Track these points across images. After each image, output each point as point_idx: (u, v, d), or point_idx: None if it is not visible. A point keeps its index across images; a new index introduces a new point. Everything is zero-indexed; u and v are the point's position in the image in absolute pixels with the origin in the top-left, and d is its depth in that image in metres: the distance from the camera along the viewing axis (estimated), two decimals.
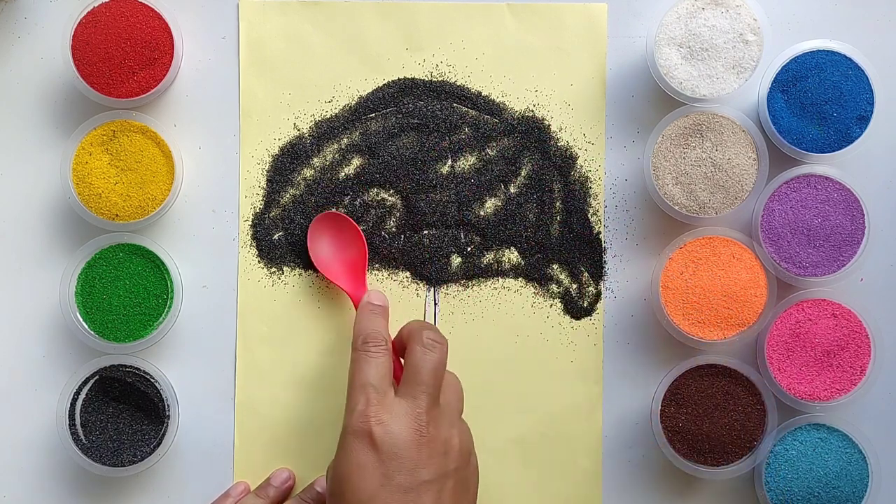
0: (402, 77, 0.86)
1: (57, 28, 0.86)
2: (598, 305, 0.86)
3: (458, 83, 0.86)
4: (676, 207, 0.83)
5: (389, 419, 0.71)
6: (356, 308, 0.82)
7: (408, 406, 0.72)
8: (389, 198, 0.86)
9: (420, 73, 0.86)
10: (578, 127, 0.86)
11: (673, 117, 0.83)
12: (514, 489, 0.85)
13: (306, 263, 0.86)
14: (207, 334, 0.86)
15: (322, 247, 0.85)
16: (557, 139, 0.86)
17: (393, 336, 0.79)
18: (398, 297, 0.86)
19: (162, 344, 0.85)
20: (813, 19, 0.86)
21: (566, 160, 0.86)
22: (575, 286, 0.86)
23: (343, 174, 0.86)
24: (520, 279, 0.86)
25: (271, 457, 0.85)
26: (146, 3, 0.83)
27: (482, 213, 0.86)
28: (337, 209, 0.86)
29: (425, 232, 0.86)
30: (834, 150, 0.82)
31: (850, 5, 0.86)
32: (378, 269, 0.86)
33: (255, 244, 0.86)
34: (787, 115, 0.82)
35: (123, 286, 0.83)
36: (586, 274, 0.86)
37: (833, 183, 0.82)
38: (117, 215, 0.83)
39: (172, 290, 0.84)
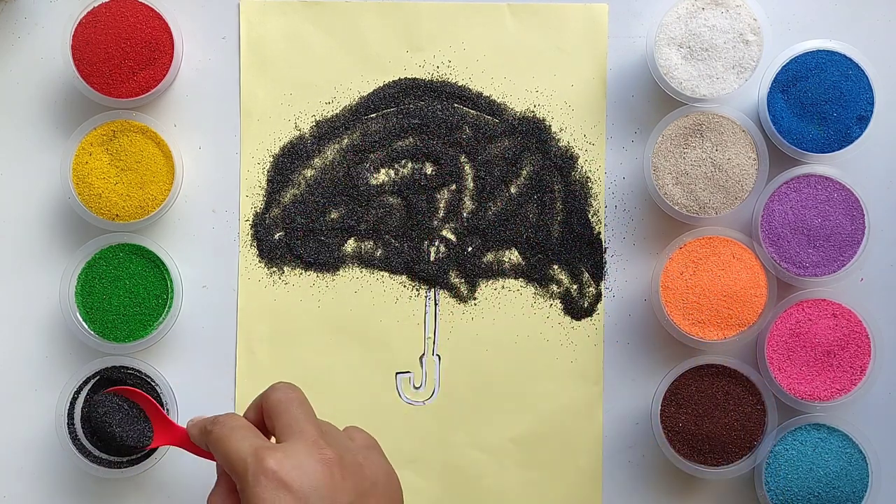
0: (402, 77, 0.86)
1: (57, 28, 0.86)
2: (599, 306, 0.86)
3: (459, 83, 0.86)
4: (676, 207, 0.83)
5: (288, 457, 0.65)
6: (182, 445, 0.76)
7: (299, 441, 0.66)
8: (390, 198, 0.86)
9: (421, 74, 0.86)
10: (579, 127, 0.86)
11: (673, 117, 0.83)
12: (514, 489, 0.85)
13: (306, 263, 0.86)
14: (207, 334, 0.86)
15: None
16: (558, 139, 0.86)
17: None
18: (398, 296, 0.86)
19: (162, 344, 0.85)
20: (813, 19, 0.86)
21: (567, 160, 0.86)
22: (575, 286, 0.86)
23: (345, 175, 0.86)
24: (520, 279, 0.86)
25: None
26: (146, 3, 0.83)
27: (483, 213, 0.86)
28: (337, 209, 0.86)
29: (426, 232, 0.86)
30: (834, 150, 0.82)
31: (850, 5, 0.86)
32: (378, 270, 0.86)
33: (255, 244, 0.86)
34: (787, 115, 0.82)
35: (123, 286, 0.83)
36: (587, 274, 0.86)
37: (833, 183, 0.82)
38: (117, 215, 0.83)
39: (172, 290, 0.84)
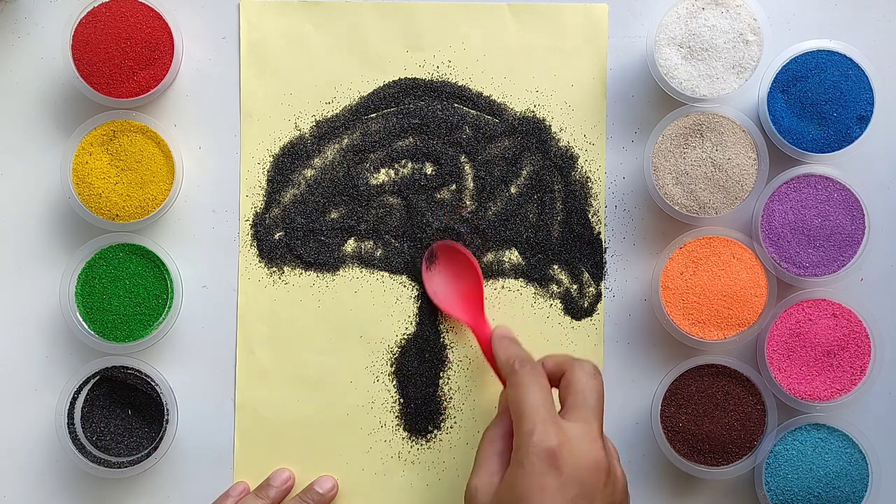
0: (402, 77, 0.86)
1: (57, 28, 0.86)
2: (599, 306, 0.86)
3: (459, 83, 0.86)
4: (676, 207, 0.83)
5: (570, 442, 0.69)
6: (479, 339, 0.82)
7: (584, 430, 0.70)
8: (390, 198, 0.86)
9: (421, 74, 0.86)
10: (579, 127, 0.86)
11: (673, 117, 0.83)
12: None
13: (306, 263, 0.86)
14: (207, 334, 0.86)
15: (437, 279, 0.84)
16: (558, 139, 0.86)
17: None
18: (398, 296, 0.86)
19: (162, 344, 0.85)
20: (813, 19, 0.86)
21: (567, 160, 0.86)
22: (575, 287, 0.86)
23: (345, 175, 0.86)
24: (520, 279, 0.86)
25: (271, 457, 0.85)
26: (146, 3, 0.83)
27: (483, 213, 0.86)
28: (337, 209, 0.86)
29: (426, 232, 0.86)
30: (834, 150, 0.82)
31: (850, 5, 0.86)
32: (378, 270, 0.86)
33: (255, 244, 0.86)
34: (787, 115, 0.82)
35: (123, 286, 0.83)
36: (587, 274, 0.86)
37: (833, 183, 0.82)
38: (117, 215, 0.83)
39: (172, 290, 0.84)
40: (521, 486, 0.68)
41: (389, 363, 0.86)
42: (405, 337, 0.86)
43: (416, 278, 0.86)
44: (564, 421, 0.70)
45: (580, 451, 0.69)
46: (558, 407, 0.73)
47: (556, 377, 0.75)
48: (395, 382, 0.86)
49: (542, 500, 0.68)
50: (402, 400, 0.85)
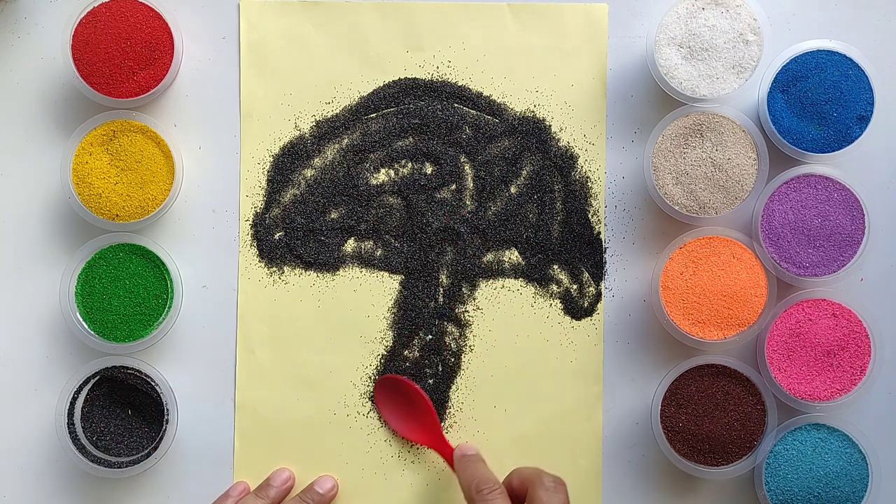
0: (402, 77, 0.86)
1: (57, 28, 0.86)
2: (599, 306, 0.86)
3: (459, 83, 0.86)
4: (676, 207, 0.83)
5: None
6: (444, 456, 0.83)
7: None
8: (390, 198, 0.86)
9: (421, 74, 0.86)
10: (579, 127, 0.86)
11: (673, 117, 0.83)
12: None
13: (306, 263, 0.86)
14: (207, 334, 0.86)
15: (390, 411, 0.85)
16: (558, 139, 0.86)
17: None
18: (398, 296, 0.86)
19: (162, 344, 0.85)
20: (813, 19, 0.86)
21: (567, 160, 0.86)
22: (575, 286, 0.86)
23: (345, 175, 0.86)
24: (520, 279, 0.86)
25: (271, 457, 0.85)
26: (146, 3, 0.83)
27: (483, 213, 0.86)
28: (337, 209, 0.86)
29: (426, 232, 0.86)
30: (834, 150, 0.82)
31: (850, 5, 0.86)
32: (378, 270, 0.86)
33: (255, 244, 0.86)
34: (787, 115, 0.82)
35: (123, 286, 0.83)
36: (587, 274, 0.86)
37: (833, 183, 0.82)
38: (117, 215, 0.83)
39: (172, 290, 0.84)
40: None
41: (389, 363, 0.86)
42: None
43: (416, 276, 0.86)
44: None
45: None
46: None
47: (523, 493, 0.76)
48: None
49: None
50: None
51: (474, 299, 0.86)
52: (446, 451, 0.83)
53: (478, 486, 0.76)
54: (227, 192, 0.86)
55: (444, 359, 0.85)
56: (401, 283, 0.86)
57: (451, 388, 0.85)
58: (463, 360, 0.85)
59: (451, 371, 0.85)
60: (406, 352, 0.85)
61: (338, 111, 0.86)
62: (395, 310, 0.86)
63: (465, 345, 0.85)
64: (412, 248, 0.86)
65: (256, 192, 0.86)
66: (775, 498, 0.82)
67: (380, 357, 0.85)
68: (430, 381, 0.85)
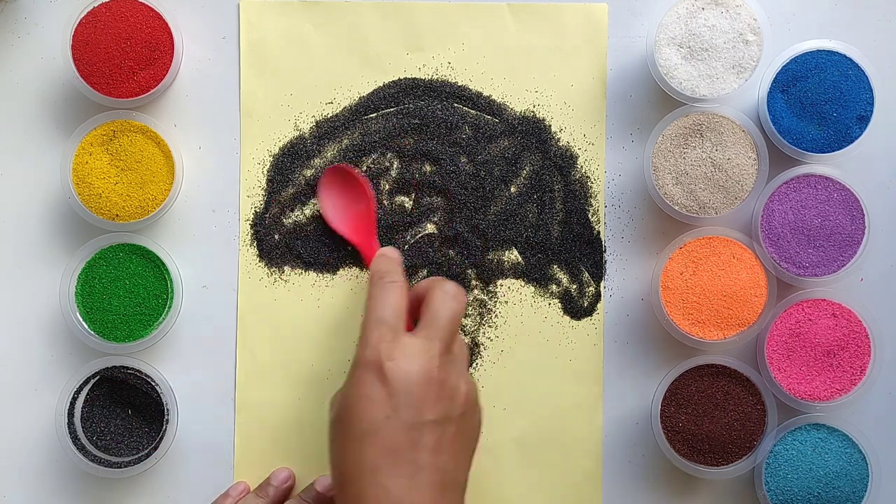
0: (402, 77, 0.86)
1: (57, 28, 0.86)
2: (598, 306, 0.86)
3: (459, 83, 0.86)
4: (676, 207, 0.83)
5: (401, 356, 0.71)
6: (366, 260, 0.83)
7: (421, 346, 0.72)
8: (390, 198, 0.86)
9: (420, 74, 0.86)
10: (579, 127, 0.86)
11: (673, 117, 0.83)
12: (514, 489, 0.85)
13: (306, 263, 0.86)
14: (207, 334, 0.86)
15: (331, 202, 0.85)
16: (558, 139, 0.86)
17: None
18: None
19: (162, 344, 0.85)
20: (813, 19, 0.86)
21: (566, 160, 0.86)
22: (575, 286, 0.86)
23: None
24: (520, 279, 0.86)
25: (271, 457, 0.85)
26: (146, 3, 0.83)
27: (483, 213, 0.86)
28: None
29: (426, 232, 0.86)
30: (834, 150, 0.82)
31: (850, 5, 0.86)
32: None
33: (255, 244, 0.86)
34: (787, 115, 0.82)
35: (123, 286, 0.83)
36: (586, 274, 0.86)
37: (833, 183, 0.82)
38: (117, 215, 0.83)
39: (172, 290, 0.84)
40: (349, 395, 0.71)
41: None
42: None
43: (416, 279, 0.86)
44: (406, 336, 0.72)
45: (410, 365, 0.70)
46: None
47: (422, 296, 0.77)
48: None
49: (365, 408, 0.70)
50: None
51: (475, 299, 0.86)
52: (372, 251, 0.83)
53: (381, 274, 0.76)
54: (227, 192, 0.86)
55: None
56: None
57: None
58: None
59: None
60: None
61: (338, 111, 0.86)
62: None
63: (466, 345, 0.85)
64: (412, 248, 0.86)
65: (256, 192, 0.86)
66: (775, 498, 0.82)
67: None
68: None
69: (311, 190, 0.86)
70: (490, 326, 0.85)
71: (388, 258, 0.79)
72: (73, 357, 0.85)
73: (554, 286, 0.86)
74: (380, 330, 0.72)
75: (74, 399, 0.83)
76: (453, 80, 0.86)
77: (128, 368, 0.83)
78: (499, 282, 0.86)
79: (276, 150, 0.86)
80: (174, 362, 0.86)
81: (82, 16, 0.83)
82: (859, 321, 0.82)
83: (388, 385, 0.70)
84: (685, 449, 0.82)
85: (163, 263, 0.84)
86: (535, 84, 0.86)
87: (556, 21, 0.86)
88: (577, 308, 0.86)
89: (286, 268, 0.86)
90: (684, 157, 0.82)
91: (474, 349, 0.85)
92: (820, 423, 0.82)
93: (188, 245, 0.86)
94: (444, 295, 0.74)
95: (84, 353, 0.85)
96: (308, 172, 0.86)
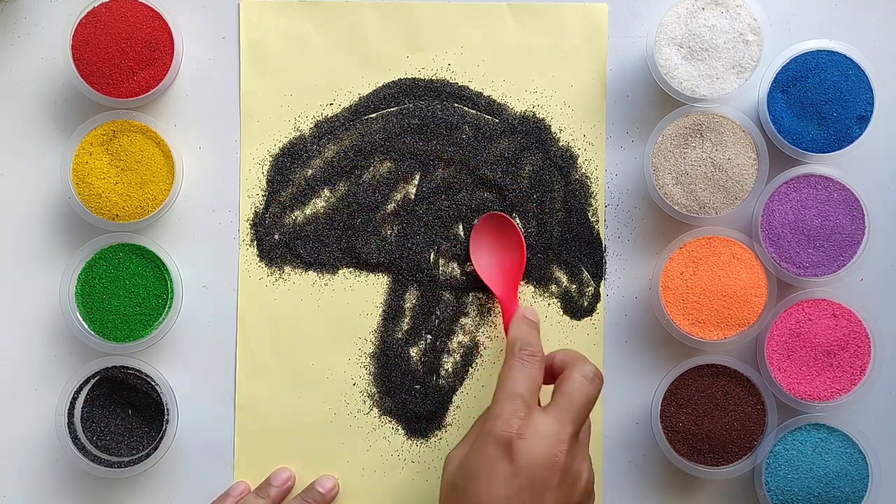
0: (402, 77, 0.86)
1: (57, 28, 0.86)
2: (598, 305, 0.86)
3: (459, 83, 0.86)
4: (676, 207, 0.83)
5: (532, 436, 0.70)
6: (504, 314, 0.82)
7: (553, 428, 0.71)
8: (390, 198, 0.86)
9: (420, 74, 0.86)
10: (578, 127, 0.86)
11: (673, 117, 0.83)
12: None
13: (306, 263, 0.86)
14: (207, 334, 0.86)
15: (482, 247, 0.85)
16: (558, 139, 0.86)
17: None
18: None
19: (162, 344, 0.85)
20: (813, 19, 0.86)
21: (566, 160, 0.86)
22: (575, 286, 0.86)
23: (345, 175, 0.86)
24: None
25: (271, 457, 0.85)
26: (146, 3, 0.83)
27: (482, 213, 0.86)
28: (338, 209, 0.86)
29: (426, 232, 0.86)
30: (834, 150, 0.82)
31: (850, 5, 0.86)
32: (378, 270, 0.86)
33: (255, 244, 0.86)
34: (787, 115, 0.82)
35: (123, 286, 0.83)
36: (586, 274, 0.86)
37: (833, 183, 0.82)
38: (117, 215, 0.83)
39: (172, 290, 0.84)
40: (472, 465, 0.70)
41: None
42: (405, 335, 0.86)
43: (416, 277, 0.86)
44: (540, 414, 0.71)
45: (538, 447, 0.70)
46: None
47: (560, 373, 0.75)
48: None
49: (489, 483, 0.69)
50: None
51: (476, 299, 0.86)
52: (511, 309, 0.82)
53: (521, 346, 0.75)
54: (227, 192, 0.86)
55: (447, 359, 0.85)
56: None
57: (456, 389, 0.85)
58: (464, 360, 0.85)
59: (458, 371, 0.85)
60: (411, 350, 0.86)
61: (338, 111, 0.86)
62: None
63: (466, 345, 0.85)
64: (412, 248, 0.86)
65: (256, 192, 0.86)
66: (775, 498, 0.82)
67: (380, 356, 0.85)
68: (434, 381, 0.85)
69: (311, 190, 0.86)
70: (490, 326, 0.85)
71: (530, 325, 0.78)
72: (73, 357, 0.85)
73: (554, 286, 0.86)
74: (514, 404, 0.71)
75: (74, 399, 0.83)
76: (453, 81, 0.86)
77: (128, 368, 0.83)
78: None
79: (276, 151, 0.86)
80: (174, 362, 0.86)
81: (82, 16, 0.83)
82: (859, 321, 0.82)
83: (514, 463, 0.69)
84: (685, 449, 0.82)
85: (163, 263, 0.84)
86: (535, 84, 0.86)
87: (555, 21, 0.86)
88: (576, 308, 0.86)
89: (286, 268, 0.86)
90: (684, 157, 0.82)
91: (474, 349, 0.85)
92: (820, 423, 0.82)
93: (188, 245, 0.86)
94: (583, 379, 0.73)
95: (84, 353, 0.85)
96: (308, 172, 0.86)
